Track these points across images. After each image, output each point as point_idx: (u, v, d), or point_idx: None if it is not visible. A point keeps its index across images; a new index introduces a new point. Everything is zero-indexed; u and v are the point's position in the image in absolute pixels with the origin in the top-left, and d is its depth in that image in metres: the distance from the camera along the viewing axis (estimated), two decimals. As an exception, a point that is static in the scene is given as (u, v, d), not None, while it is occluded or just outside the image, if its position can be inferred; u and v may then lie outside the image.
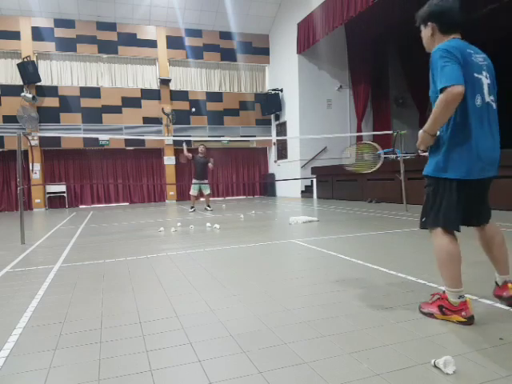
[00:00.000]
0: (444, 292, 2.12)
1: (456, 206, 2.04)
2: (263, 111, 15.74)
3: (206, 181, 9.83)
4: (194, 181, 9.87)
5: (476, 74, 1.96)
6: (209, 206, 10.09)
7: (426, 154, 2.16)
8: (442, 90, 1.88)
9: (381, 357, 1.72)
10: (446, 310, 2.06)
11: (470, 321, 2.01)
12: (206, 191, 9.86)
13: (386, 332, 1.98)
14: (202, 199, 10.32)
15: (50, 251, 4.86)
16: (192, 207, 9.86)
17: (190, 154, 9.79)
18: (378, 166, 2.27)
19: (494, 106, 2.07)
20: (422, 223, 2.16)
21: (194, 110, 14.18)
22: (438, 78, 1.92)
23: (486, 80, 2.00)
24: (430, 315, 2.13)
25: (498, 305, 2.29)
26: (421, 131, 2.07)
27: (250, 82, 16.29)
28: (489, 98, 2.02)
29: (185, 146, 9.82)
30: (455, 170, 1.99)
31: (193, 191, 9.83)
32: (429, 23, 2.10)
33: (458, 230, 2.09)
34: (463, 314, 2.01)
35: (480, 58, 2.03)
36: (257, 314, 2.32)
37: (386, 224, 6.03)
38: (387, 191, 9.84)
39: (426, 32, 2.14)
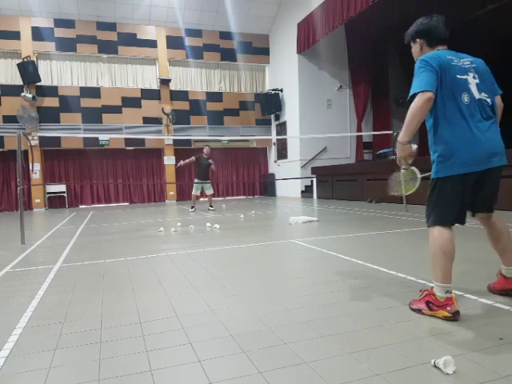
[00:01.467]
0: (432, 288, 2.18)
1: (454, 202, 2.11)
2: (263, 111, 15.74)
3: (208, 181, 9.84)
4: (195, 180, 9.88)
5: (459, 76, 2.10)
6: (211, 205, 10.10)
7: (405, 170, 2.34)
8: (412, 97, 2.08)
9: (381, 357, 1.72)
10: (433, 305, 2.12)
11: (454, 316, 2.05)
12: (209, 191, 9.88)
13: (386, 332, 1.98)
14: (201, 199, 10.30)
15: (50, 251, 4.86)
16: (192, 207, 9.86)
17: (193, 157, 9.77)
18: (417, 185, 2.41)
19: (490, 100, 2.15)
20: (427, 221, 2.24)
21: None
22: (412, 84, 2.12)
23: (473, 80, 2.13)
24: (419, 311, 2.19)
25: (498, 304, 2.29)
26: (397, 144, 2.20)
27: (250, 81, 16.29)
28: (480, 95, 2.12)
29: (181, 163, 9.84)
30: (449, 168, 2.09)
31: (195, 191, 9.84)
32: (417, 40, 2.33)
33: (462, 223, 2.18)
34: (448, 309, 2.06)
35: (466, 61, 2.17)
36: (257, 314, 2.32)
37: (386, 224, 6.03)
38: (387, 191, 9.83)
39: (415, 48, 2.36)
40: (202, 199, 10.63)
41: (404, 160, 2.20)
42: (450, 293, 2.08)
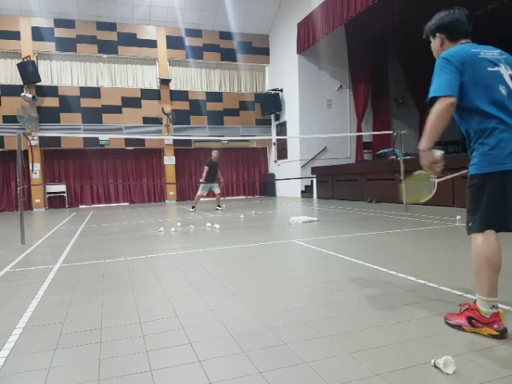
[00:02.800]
0: (474, 302, 1.97)
1: (502, 203, 1.88)
2: (263, 111, 15.74)
3: (216, 182, 10.01)
4: (202, 181, 9.99)
5: (490, 68, 1.94)
6: (219, 205, 10.24)
7: (443, 178, 2.04)
8: (431, 100, 1.92)
9: (381, 357, 1.72)
10: (476, 321, 1.91)
11: (503, 334, 1.85)
12: (217, 191, 10.05)
13: (386, 332, 1.98)
14: (202, 199, 10.33)
15: (50, 251, 4.86)
16: (193, 207, 9.89)
17: (205, 173, 9.88)
18: (433, 191, 2.22)
19: None
20: (468, 228, 2.00)
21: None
22: (432, 84, 1.95)
23: (506, 71, 1.97)
24: (458, 327, 1.98)
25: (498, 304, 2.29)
26: (420, 152, 2.00)
27: (250, 81, 16.29)
28: None
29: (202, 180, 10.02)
30: (495, 163, 1.87)
31: (201, 191, 9.88)
32: (437, 34, 2.15)
33: (509, 230, 1.92)
34: (495, 326, 1.85)
35: (494, 53, 2.02)
36: (257, 314, 2.32)
37: (386, 224, 6.03)
38: (387, 191, 9.84)
39: (435, 43, 2.19)
40: (204, 199, 10.64)
41: (429, 169, 2.00)
42: (496, 308, 1.87)
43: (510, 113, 1.89)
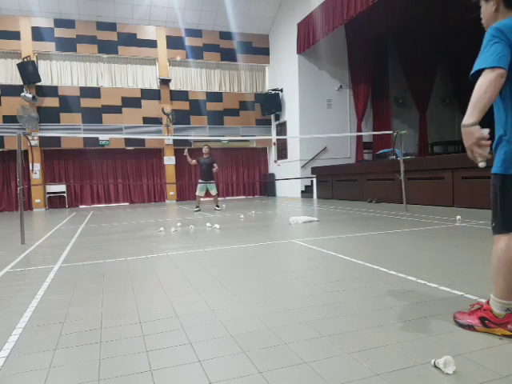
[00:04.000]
0: (487, 302, 1.93)
1: None
2: (263, 111, 15.74)
3: (212, 181, 9.86)
4: (199, 181, 9.93)
5: None
6: (217, 206, 10.13)
7: (484, 164, 1.70)
8: (477, 73, 1.68)
9: (381, 357, 1.72)
10: (490, 322, 1.87)
11: None
12: (213, 191, 9.89)
13: (386, 332, 1.98)
14: (203, 199, 10.30)
15: (50, 251, 4.86)
16: (197, 207, 9.87)
17: (194, 161, 9.86)
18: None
19: None
20: (493, 229, 1.89)
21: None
22: (478, 57, 1.71)
23: None
24: (469, 327, 1.94)
25: None
26: (462, 129, 1.69)
27: (250, 81, 16.29)
28: None
29: (186, 153, 9.83)
30: None
31: (199, 192, 9.85)
32: None
33: None
34: (509, 327, 1.83)
35: None
36: (257, 314, 2.32)
37: (386, 224, 6.03)
38: (387, 191, 9.84)
39: (487, 7, 1.86)
40: (204, 199, 10.61)
41: (474, 150, 1.65)
42: (510, 310, 1.83)
43: None
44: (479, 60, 1.69)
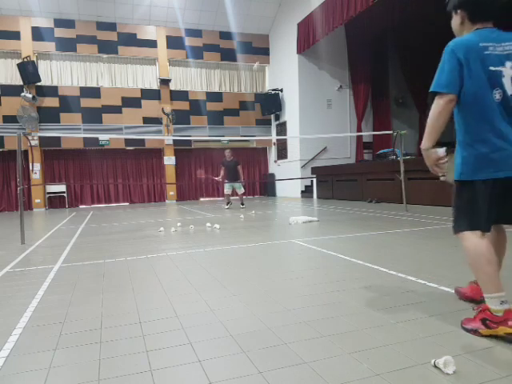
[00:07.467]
0: (485, 302, 1.91)
1: (480, 207, 1.87)
2: (263, 111, 15.74)
3: (238, 181, 10.39)
4: (226, 181, 10.57)
5: (492, 68, 1.80)
6: (242, 203, 10.49)
7: (444, 178, 1.99)
8: (432, 94, 1.88)
9: (381, 357, 1.72)
10: (490, 322, 1.83)
11: None
12: (240, 190, 10.40)
13: (386, 332, 1.98)
14: (205, 199, 10.34)
15: (50, 251, 4.86)
16: (228, 203, 10.51)
17: (221, 172, 10.51)
18: None
19: None
20: (452, 229, 2.02)
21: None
22: (436, 74, 1.88)
23: (510, 71, 1.81)
24: (474, 332, 1.89)
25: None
26: (422, 152, 1.95)
27: (250, 81, 16.29)
28: None
29: (202, 174, 10.49)
30: (475, 172, 1.86)
31: (227, 190, 10.54)
32: (459, 11, 1.96)
33: (487, 231, 1.91)
34: (510, 323, 1.77)
35: (508, 46, 1.83)
36: (257, 314, 2.32)
37: (386, 224, 6.03)
38: (387, 191, 9.84)
39: (455, 20, 2.00)
40: (203, 199, 10.66)
41: (433, 168, 1.96)
42: (506, 303, 1.81)
43: (494, 121, 1.81)
44: (435, 79, 1.89)
